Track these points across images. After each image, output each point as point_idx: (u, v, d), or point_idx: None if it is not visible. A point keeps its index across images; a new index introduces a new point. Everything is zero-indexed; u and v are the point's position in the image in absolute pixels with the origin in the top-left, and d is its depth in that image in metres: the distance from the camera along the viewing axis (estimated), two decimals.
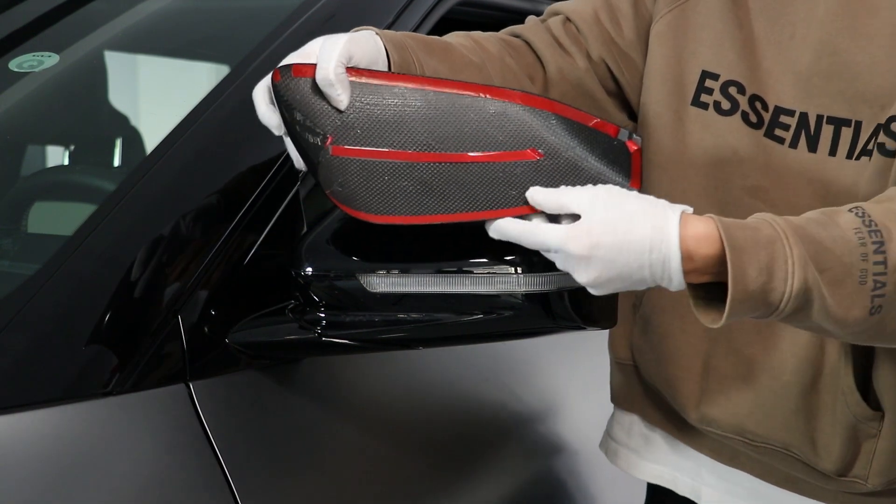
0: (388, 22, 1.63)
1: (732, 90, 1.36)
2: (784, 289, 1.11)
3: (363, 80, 1.21)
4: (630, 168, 1.22)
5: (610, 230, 1.10)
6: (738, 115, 1.36)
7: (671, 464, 1.57)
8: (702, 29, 1.38)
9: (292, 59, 1.23)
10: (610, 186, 1.15)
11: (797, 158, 1.33)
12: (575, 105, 1.38)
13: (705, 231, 1.11)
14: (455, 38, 1.38)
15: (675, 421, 1.52)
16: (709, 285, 1.14)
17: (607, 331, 1.53)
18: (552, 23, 1.45)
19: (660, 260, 1.11)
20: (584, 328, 1.24)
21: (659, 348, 1.48)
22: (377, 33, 1.27)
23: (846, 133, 1.30)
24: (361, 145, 1.19)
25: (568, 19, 1.44)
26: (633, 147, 1.22)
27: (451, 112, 1.21)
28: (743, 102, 1.35)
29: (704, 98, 1.37)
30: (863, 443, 1.37)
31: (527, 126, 1.22)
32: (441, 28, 1.70)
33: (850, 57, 1.29)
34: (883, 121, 1.27)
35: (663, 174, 1.41)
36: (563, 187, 1.15)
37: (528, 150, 1.21)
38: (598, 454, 1.71)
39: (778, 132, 1.34)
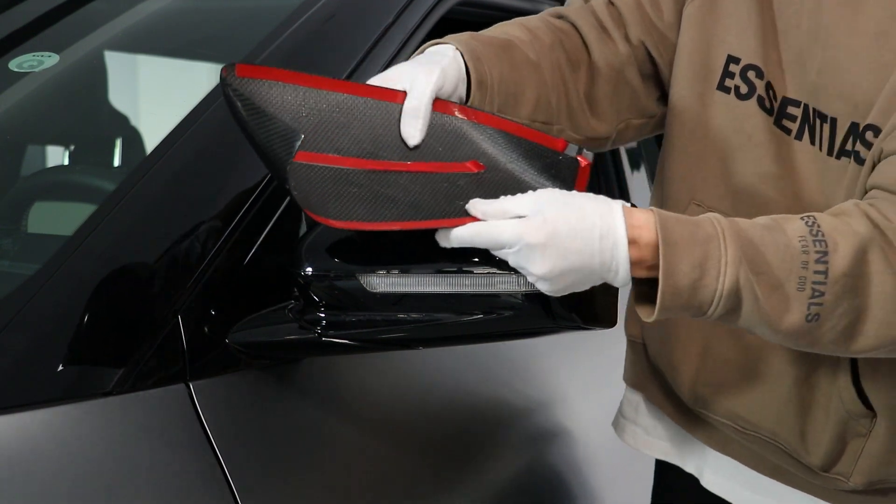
0: (387, 22, 1.62)
1: (751, 74, 1.37)
2: (716, 286, 1.13)
3: (305, 85, 1.19)
4: (574, 182, 1.23)
5: (563, 218, 1.12)
6: (754, 100, 1.36)
7: (678, 442, 1.58)
8: (729, 16, 1.39)
9: (374, 81, 1.23)
10: (550, 188, 1.17)
11: (802, 149, 1.34)
12: (615, 92, 1.39)
13: (645, 220, 1.14)
14: (512, 29, 1.38)
15: (674, 404, 1.54)
16: (652, 283, 1.16)
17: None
18: (596, 5, 1.45)
19: (609, 247, 1.12)
20: (584, 328, 1.24)
21: (663, 328, 1.49)
22: (457, 48, 1.27)
23: (825, 129, 1.31)
24: (307, 149, 1.18)
25: (611, 2, 1.45)
26: (583, 162, 1.24)
27: (388, 120, 1.21)
28: (760, 87, 1.36)
29: (728, 82, 1.38)
30: (850, 441, 1.38)
31: (466, 138, 1.22)
32: (441, 28, 1.69)
33: (837, 52, 1.30)
34: (858, 120, 1.27)
35: (684, 157, 1.42)
36: (503, 197, 1.16)
37: (469, 163, 1.22)
38: (598, 452, 1.71)
39: (785, 122, 1.35)
